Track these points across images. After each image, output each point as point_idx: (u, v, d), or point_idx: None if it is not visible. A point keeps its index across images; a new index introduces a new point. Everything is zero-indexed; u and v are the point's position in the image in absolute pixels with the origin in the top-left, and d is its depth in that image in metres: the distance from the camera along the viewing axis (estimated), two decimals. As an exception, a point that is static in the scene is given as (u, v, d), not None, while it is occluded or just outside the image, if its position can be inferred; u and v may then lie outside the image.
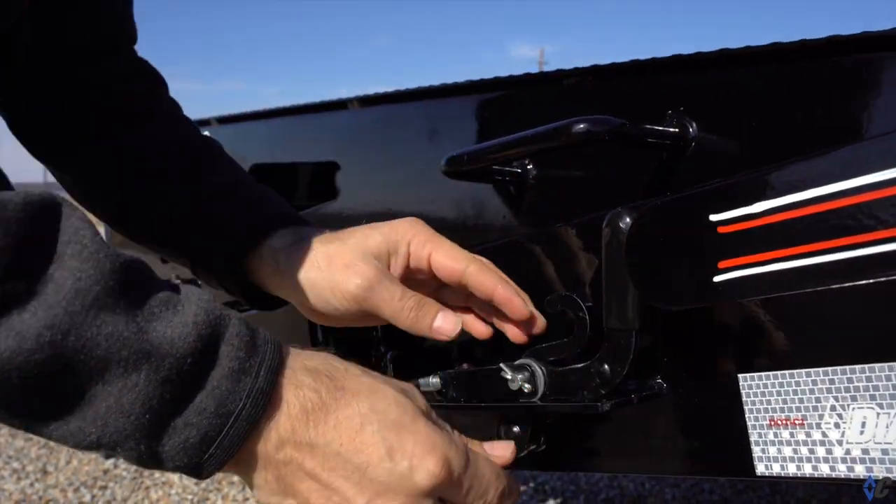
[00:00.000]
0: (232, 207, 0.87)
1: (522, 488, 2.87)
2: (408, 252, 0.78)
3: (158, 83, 1.01)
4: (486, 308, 0.80)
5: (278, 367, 0.55)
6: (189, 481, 2.92)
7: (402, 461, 0.56)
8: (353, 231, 0.79)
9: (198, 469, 0.53)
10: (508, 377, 0.75)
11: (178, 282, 0.58)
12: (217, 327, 0.53)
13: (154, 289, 0.52)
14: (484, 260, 0.79)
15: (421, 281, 0.81)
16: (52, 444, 3.42)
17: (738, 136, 0.71)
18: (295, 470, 0.56)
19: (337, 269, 0.76)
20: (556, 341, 0.75)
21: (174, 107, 1.01)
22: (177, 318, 0.51)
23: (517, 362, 0.76)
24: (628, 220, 0.65)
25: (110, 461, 3.13)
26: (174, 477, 2.97)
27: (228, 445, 0.53)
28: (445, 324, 0.75)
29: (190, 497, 2.78)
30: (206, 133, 1.63)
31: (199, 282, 0.94)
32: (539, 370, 0.75)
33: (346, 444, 0.55)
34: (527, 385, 0.75)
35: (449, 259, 0.77)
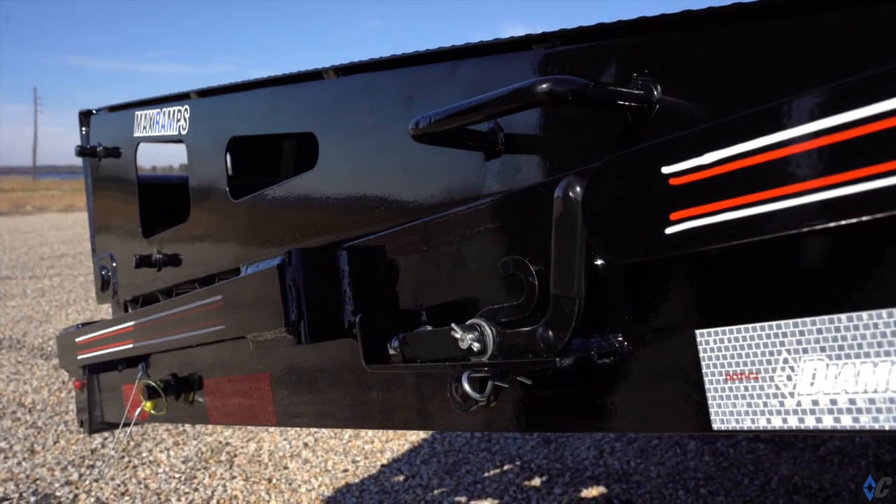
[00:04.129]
0: None
1: (508, 467, 2.89)
2: None
3: None
4: None
5: None
6: (177, 460, 2.93)
7: None
8: None
9: None
10: (458, 336, 0.76)
11: None
12: None
13: None
14: None
15: None
16: (39, 423, 3.43)
17: (701, 97, 0.72)
18: None
19: None
20: (507, 303, 0.76)
21: None
22: None
23: (468, 322, 0.77)
24: (579, 189, 0.66)
25: (98, 440, 3.14)
26: (162, 455, 2.98)
27: None
28: None
29: (178, 475, 2.79)
30: (186, 107, 1.64)
31: None
32: (489, 331, 0.76)
33: None
34: (476, 344, 0.76)
35: None
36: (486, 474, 2.81)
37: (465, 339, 0.76)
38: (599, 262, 0.72)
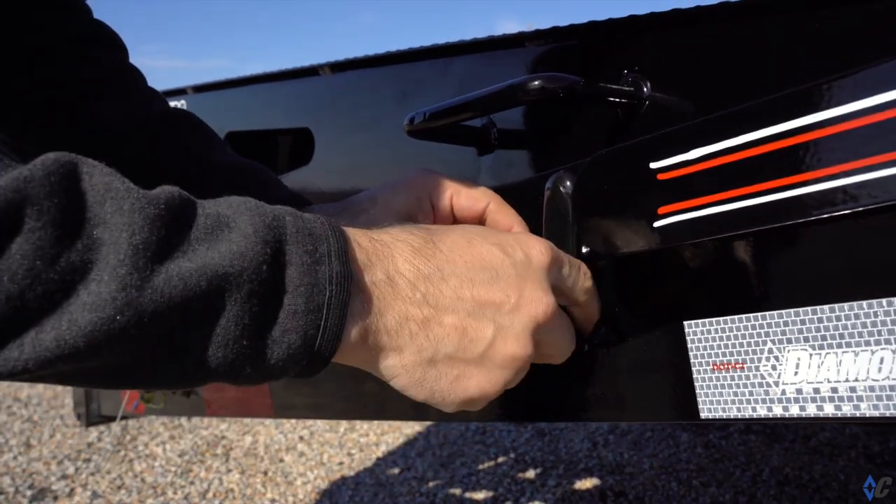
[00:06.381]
0: (247, 188, 0.78)
1: (502, 459, 2.91)
2: (431, 206, 0.77)
3: (119, 49, 0.92)
4: None
5: (346, 248, 0.55)
6: (172, 454, 2.95)
7: (517, 252, 0.61)
8: (371, 199, 0.77)
9: (312, 368, 0.54)
10: None
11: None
12: (276, 229, 0.52)
13: (201, 214, 0.50)
14: (499, 198, 0.79)
15: None
16: (35, 417, 3.44)
17: (691, 94, 0.73)
18: (436, 305, 0.58)
19: None
20: None
21: (141, 79, 0.93)
22: (234, 233, 0.50)
23: None
24: (569, 183, 0.68)
25: (94, 434, 3.15)
26: (157, 449, 3.00)
27: (331, 336, 0.53)
28: None
29: (174, 469, 2.80)
30: (183, 102, 1.65)
31: None
32: None
33: (468, 259, 0.59)
34: None
35: (470, 199, 0.77)
36: (481, 466, 2.83)
37: None
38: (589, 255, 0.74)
